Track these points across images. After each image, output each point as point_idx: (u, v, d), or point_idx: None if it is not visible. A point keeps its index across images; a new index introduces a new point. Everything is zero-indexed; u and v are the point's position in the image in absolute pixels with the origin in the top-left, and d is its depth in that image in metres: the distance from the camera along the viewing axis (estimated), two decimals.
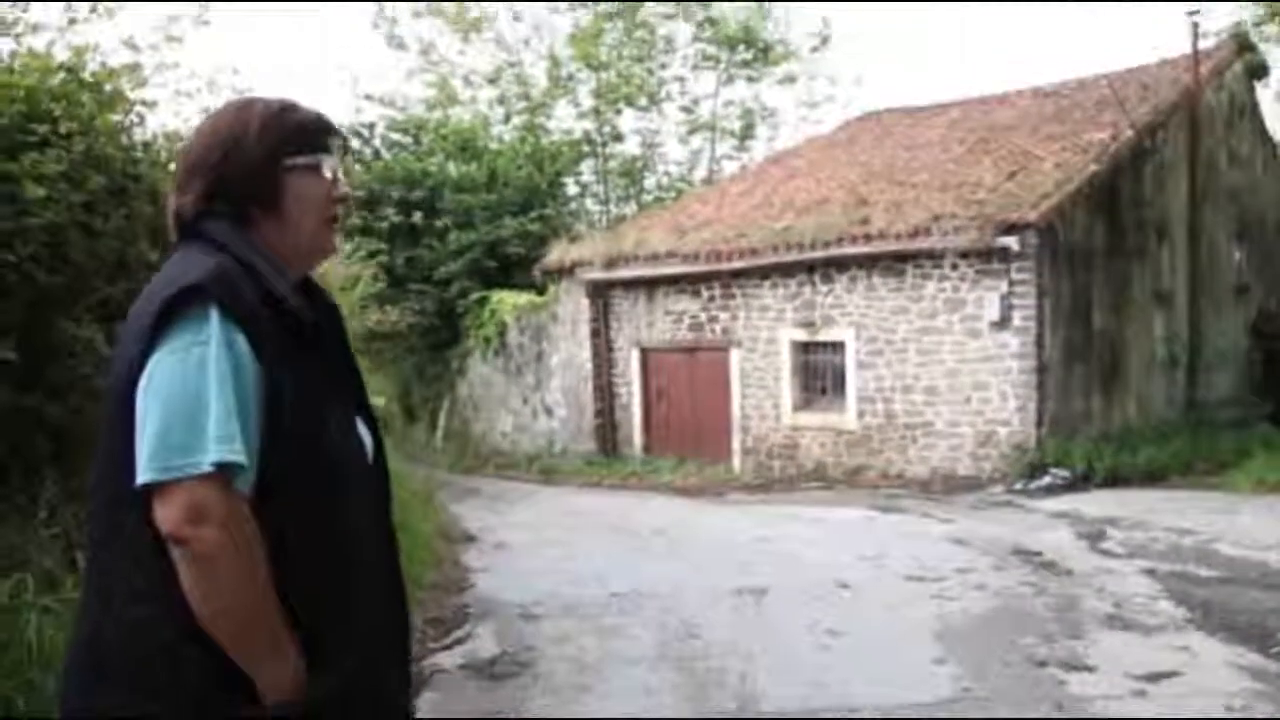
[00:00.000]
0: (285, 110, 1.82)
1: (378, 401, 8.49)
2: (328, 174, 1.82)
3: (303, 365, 1.67)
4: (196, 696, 1.56)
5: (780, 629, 6.25)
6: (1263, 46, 16.04)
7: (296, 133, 1.80)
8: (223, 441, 1.52)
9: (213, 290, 1.59)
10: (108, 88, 4.66)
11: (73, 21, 5.16)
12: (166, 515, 1.51)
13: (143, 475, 1.52)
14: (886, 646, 5.84)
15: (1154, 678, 5.09)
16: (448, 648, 6.04)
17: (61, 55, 4.56)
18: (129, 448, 1.55)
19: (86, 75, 4.78)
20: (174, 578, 1.54)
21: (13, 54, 4.48)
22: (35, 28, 4.99)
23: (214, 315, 1.58)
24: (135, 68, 4.78)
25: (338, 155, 1.87)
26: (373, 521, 1.79)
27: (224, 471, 1.52)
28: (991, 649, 5.65)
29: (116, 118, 4.90)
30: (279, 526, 1.59)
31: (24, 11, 4.66)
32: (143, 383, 1.57)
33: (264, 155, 1.75)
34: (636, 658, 5.72)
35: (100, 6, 5.23)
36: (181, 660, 1.56)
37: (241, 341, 1.59)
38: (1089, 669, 5.27)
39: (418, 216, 19.15)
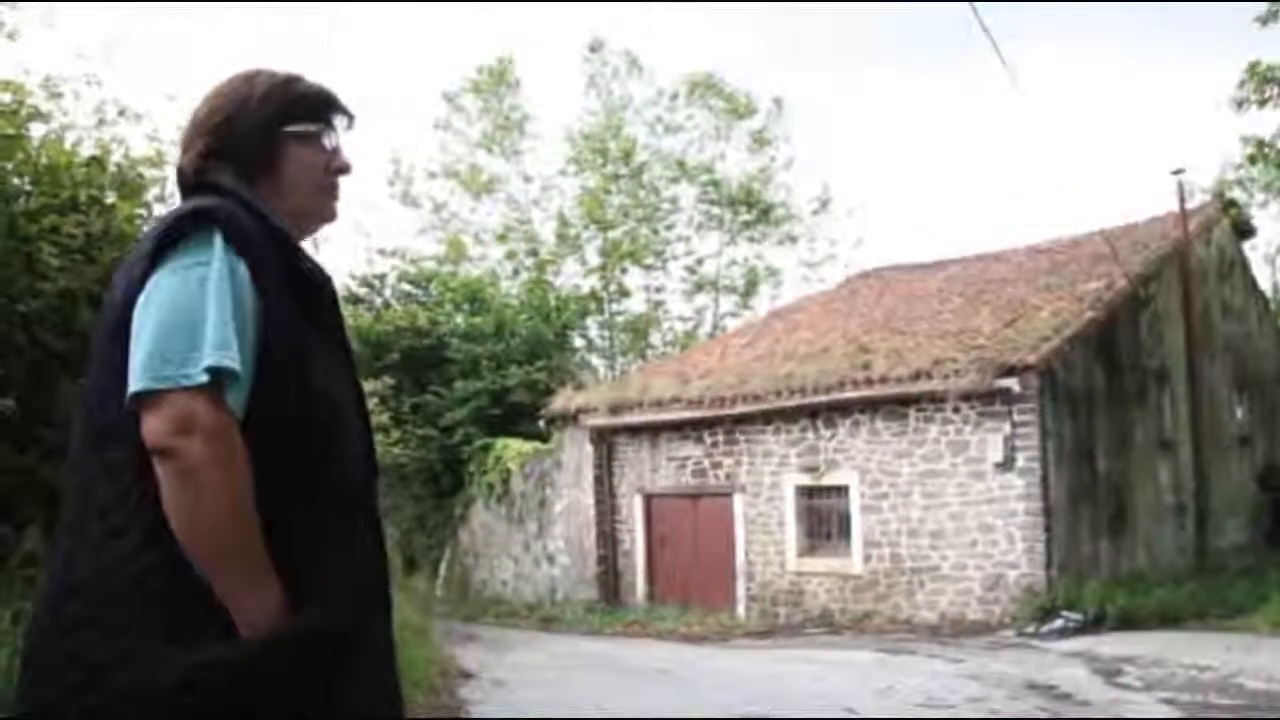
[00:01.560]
0: (290, 80, 1.86)
1: None
2: (328, 144, 1.85)
3: (301, 307, 1.66)
4: (172, 632, 1.47)
5: None
6: (1244, 200, 16.52)
7: (299, 102, 1.82)
8: (218, 347, 1.50)
9: (219, 216, 1.61)
10: (131, 175, 4.83)
11: (101, 123, 5.39)
12: (154, 426, 1.47)
13: (134, 385, 1.49)
14: None
15: None
16: None
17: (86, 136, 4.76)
18: (122, 376, 1.52)
19: (111, 167, 4.97)
20: (156, 507, 1.49)
21: (43, 138, 4.67)
22: (66, 128, 5.21)
23: (218, 240, 1.58)
24: (159, 158, 4.96)
25: (341, 131, 1.90)
26: (361, 474, 1.74)
27: (216, 386, 1.49)
28: None
29: (138, 211, 5.05)
30: (265, 458, 1.54)
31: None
32: (140, 300, 1.55)
33: (265, 119, 1.77)
34: None
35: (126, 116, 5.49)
36: (158, 594, 1.49)
37: (243, 270, 1.58)
38: None
39: (424, 364, 19.36)
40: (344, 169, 1.87)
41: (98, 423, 1.60)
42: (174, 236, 1.60)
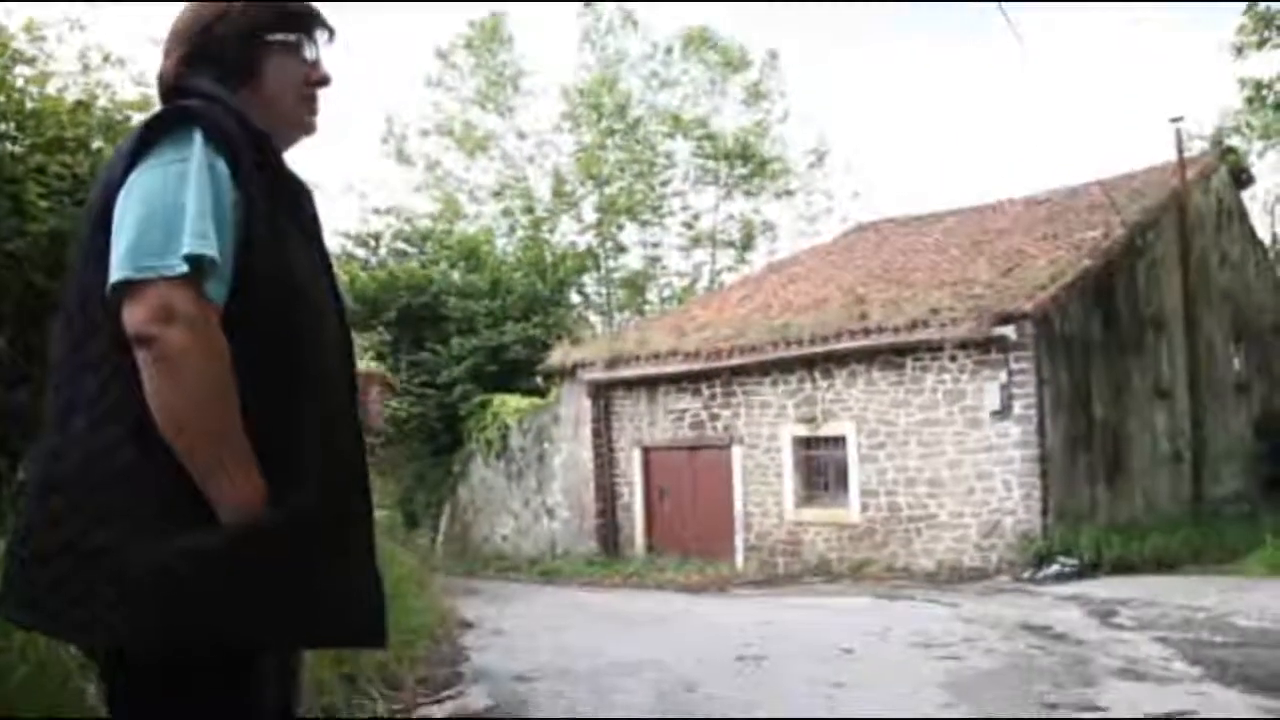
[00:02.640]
0: None
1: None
2: (308, 56, 1.86)
3: (279, 205, 1.68)
4: (155, 522, 1.50)
5: (780, 684, 6.06)
6: (1243, 148, 16.42)
7: (280, 13, 1.83)
8: (196, 236, 1.52)
9: (198, 112, 1.62)
10: (117, 119, 4.79)
11: (87, 68, 5.33)
12: (135, 315, 1.50)
13: (114, 275, 1.51)
14: (892, 695, 5.65)
15: (1170, 717, 4.90)
16: (438, 701, 5.84)
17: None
18: (103, 271, 1.53)
19: (97, 111, 4.92)
20: (137, 398, 1.51)
21: (27, 81, 4.62)
22: (50, 75, 5.15)
23: (197, 137, 1.59)
24: (146, 103, 4.91)
25: (321, 43, 1.90)
26: (339, 368, 1.76)
27: (196, 276, 1.51)
28: (1002, 696, 5.46)
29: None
30: (246, 349, 1.56)
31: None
32: (121, 195, 1.57)
33: (246, 28, 1.78)
34: (632, 706, 5.53)
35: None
36: (141, 484, 1.51)
37: (222, 166, 1.60)
38: (1102, 711, 5.09)
39: (421, 321, 19.35)
40: (324, 80, 1.88)
41: (79, 323, 1.62)
42: (154, 134, 1.61)
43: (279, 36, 1.81)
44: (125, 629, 1.48)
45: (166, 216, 1.53)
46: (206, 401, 1.51)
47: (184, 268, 1.50)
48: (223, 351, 1.52)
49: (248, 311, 1.58)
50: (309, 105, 1.88)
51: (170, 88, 1.79)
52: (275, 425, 1.58)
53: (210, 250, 1.53)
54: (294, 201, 1.76)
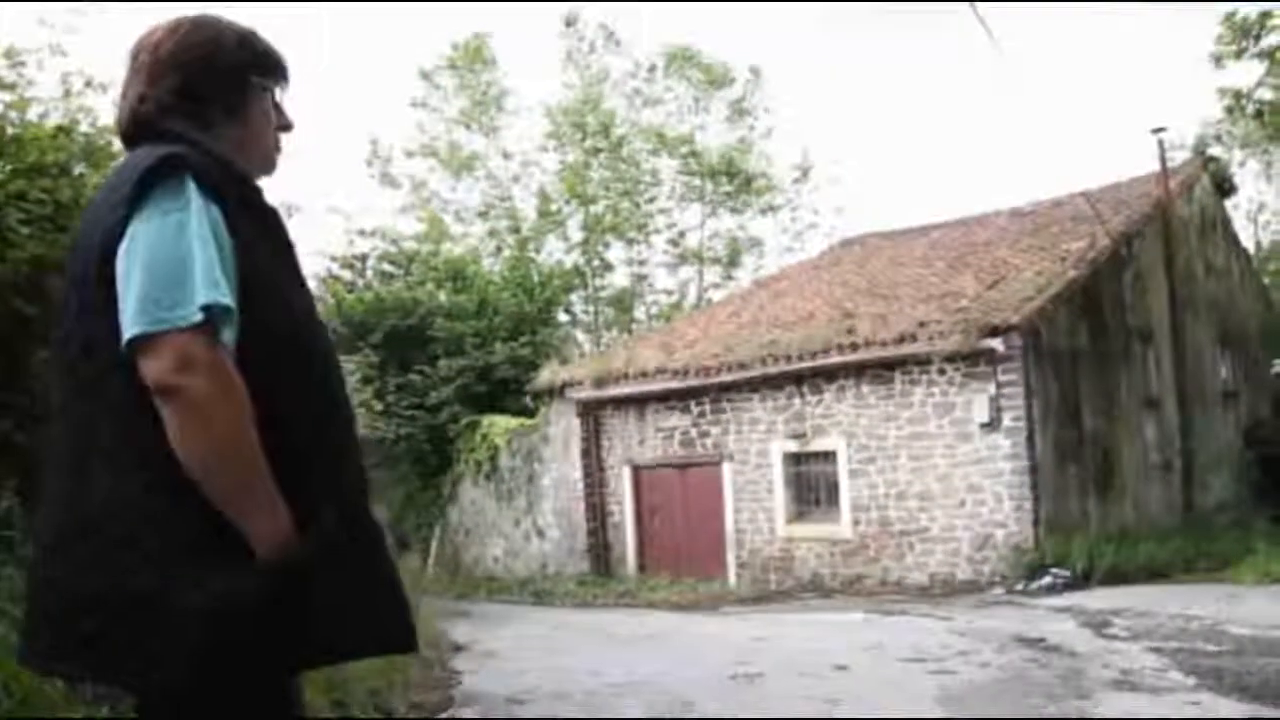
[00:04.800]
0: (254, 34, 1.93)
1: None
2: (279, 100, 1.93)
3: (269, 244, 1.74)
4: (191, 564, 1.54)
5: (775, 701, 6.02)
6: (1224, 157, 16.55)
7: (265, 56, 1.89)
8: (210, 286, 1.55)
9: (189, 161, 1.65)
10: (99, 144, 4.76)
11: (68, 93, 5.31)
12: (155, 366, 1.52)
13: (130, 330, 1.53)
14: (887, 711, 5.61)
15: None
16: None
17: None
18: (109, 322, 1.57)
19: (79, 137, 4.89)
20: (163, 443, 1.54)
21: (7, 106, 4.59)
22: (31, 100, 5.12)
23: (190, 185, 1.62)
24: None
25: (281, 92, 1.97)
26: (338, 381, 1.84)
27: (210, 323, 1.55)
28: (997, 709, 5.43)
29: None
30: (261, 385, 1.60)
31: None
32: (124, 247, 1.59)
33: (239, 65, 1.84)
34: None
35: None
36: (174, 529, 1.55)
37: (215, 211, 1.63)
38: None
39: (408, 343, 19.29)
40: (288, 126, 1.96)
41: (86, 370, 1.65)
42: (147, 185, 1.63)
43: (262, 80, 1.88)
44: (181, 671, 1.52)
45: (173, 268, 1.56)
46: (233, 444, 1.55)
47: (199, 317, 1.53)
48: (243, 394, 1.57)
49: (257, 347, 1.63)
50: (276, 147, 1.95)
51: (145, 127, 1.78)
52: (297, 451, 1.64)
53: (224, 298, 1.57)
54: (276, 235, 1.80)
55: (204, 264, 1.56)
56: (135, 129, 1.80)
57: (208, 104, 1.80)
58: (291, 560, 1.57)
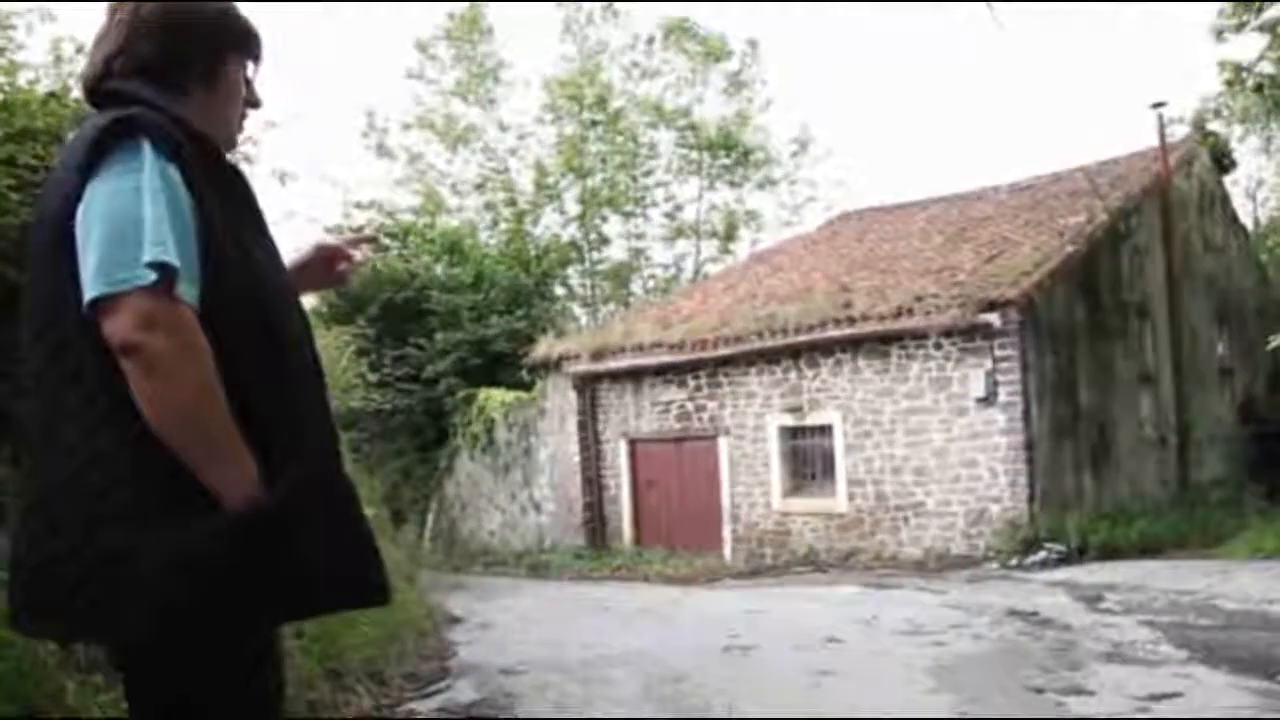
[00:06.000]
0: (234, 7, 1.94)
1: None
2: (249, 76, 1.94)
3: (230, 201, 1.74)
4: (161, 518, 1.56)
5: (769, 673, 6.05)
6: (1224, 133, 16.46)
7: (244, 33, 1.92)
8: (154, 244, 1.56)
9: (143, 122, 1.65)
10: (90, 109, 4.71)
11: (59, 60, 5.26)
12: (116, 326, 1.54)
13: (90, 291, 1.55)
14: (880, 682, 5.64)
15: (1156, 698, 4.91)
16: (425, 696, 5.80)
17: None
18: (73, 287, 1.58)
19: (70, 101, 4.84)
20: (129, 404, 1.55)
21: None
22: (20, 66, 5.07)
23: (145, 146, 1.63)
24: None
25: (254, 70, 1.98)
26: (309, 344, 1.84)
27: (169, 280, 1.56)
28: (989, 680, 5.46)
29: None
30: (227, 342, 1.62)
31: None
32: (80, 210, 1.61)
33: (217, 34, 1.86)
34: (620, 698, 5.51)
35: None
36: (143, 484, 1.57)
37: (173, 171, 1.64)
38: (1089, 693, 5.09)
39: (404, 316, 19.24)
40: (256, 103, 1.98)
41: (52, 337, 1.66)
42: (102, 148, 1.64)
43: (236, 51, 1.89)
44: (154, 622, 1.54)
45: (128, 231, 1.57)
46: (197, 398, 1.56)
47: (154, 275, 1.54)
48: (205, 348, 1.58)
49: (222, 308, 1.64)
50: (241, 121, 1.97)
51: (106, 91, 1.80)
52: (263, 405, 1.66)
53: (168, 256, 1.57)
54: (241, 194, 1.81)
55: (153, 222, 1.57)
56: (99, 85, 1.82)
57: (182, 69, 1.81)
58: (257, 512, 1.57)
